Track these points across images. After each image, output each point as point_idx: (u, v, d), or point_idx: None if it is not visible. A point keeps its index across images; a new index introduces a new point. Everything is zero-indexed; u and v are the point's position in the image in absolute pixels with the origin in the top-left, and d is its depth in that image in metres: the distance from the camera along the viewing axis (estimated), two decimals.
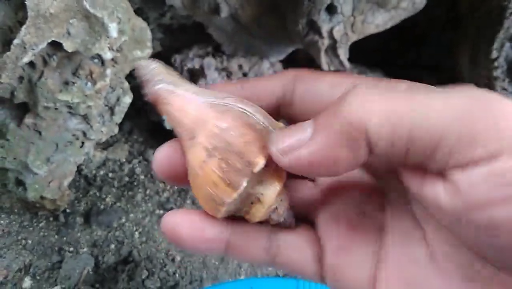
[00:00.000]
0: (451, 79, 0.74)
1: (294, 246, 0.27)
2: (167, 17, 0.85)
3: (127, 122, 0.86)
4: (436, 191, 0.20)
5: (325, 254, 0.26)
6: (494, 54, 0.61)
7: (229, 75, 0.78)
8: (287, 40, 0.69)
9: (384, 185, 0.27)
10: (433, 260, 0.23)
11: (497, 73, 0.62)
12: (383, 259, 0.25)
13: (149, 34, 0.69)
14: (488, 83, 0.64)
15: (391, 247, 0.25)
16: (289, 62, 0.84)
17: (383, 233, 0.26)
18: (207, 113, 0.25)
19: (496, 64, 0.61)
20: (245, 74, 0.79)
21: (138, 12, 0.68)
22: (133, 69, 0.70)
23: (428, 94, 0.19)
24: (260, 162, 0.23)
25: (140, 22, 0.67)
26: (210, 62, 0.76)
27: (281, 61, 0.82)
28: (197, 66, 0.76)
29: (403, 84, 0.23)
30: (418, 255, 0.23)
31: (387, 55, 0.91)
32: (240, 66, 0.79)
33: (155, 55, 0.83)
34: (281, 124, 0.26)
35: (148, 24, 0.71)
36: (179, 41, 0.87)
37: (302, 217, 0.28)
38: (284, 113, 0.29)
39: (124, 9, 0.57)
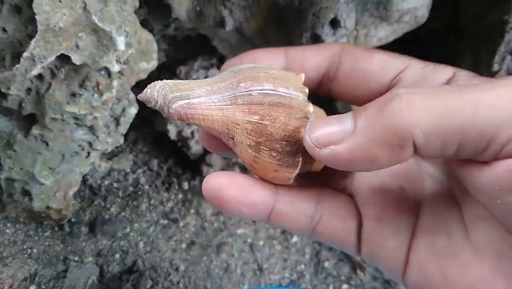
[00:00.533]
0: None
1: (337, 215, 0.27)
2: (172, 28, 0.86)
3: (132, 132, 0.87)
4: (479, 174, 0.20)
5: (363, 224, 0.26)
6: (496, 67, 0.62)
7: None
8: None
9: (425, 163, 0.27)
10: (467, 235, 0.23)
11: None
12: (418, 231, 0.25)
13: (155, 47, 0.69)
14: None
15: (427, 221, 0.25)
16: None
17: (420, 207, 0.26)
18: (232, 112, 0.25)
19: (497, 77, 0.62)
20: None
21: (143, 23, 0.69)
22: (139, 80, 0.70)
23: (476, 89, 0.19)
24: (306, 136, 0.23)
25: (146, 35, 0.68)
26: (215, 74, 0.76)
27: None
28: (202, 78, 0.76)
29: (449, 70, 0.24)
30: (452, 229, 0.24)
31: None
32: None
33: (160, 66, 0.83)
34: (305, 88, 0.26)
35: (153, 35, 0.71)
36: (183, 53, 0.88)
37: (342, 189, 0.29)
38: (325, 88, 0.28)
39: (131, 22, 0.58)
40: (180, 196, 0.78)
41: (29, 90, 0.58)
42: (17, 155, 0.61)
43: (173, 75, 0.80)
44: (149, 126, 0.88)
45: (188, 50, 0.89)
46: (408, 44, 0.69)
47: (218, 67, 0.78)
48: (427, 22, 0.65)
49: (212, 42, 0.73)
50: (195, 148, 0.77)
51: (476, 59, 0.66)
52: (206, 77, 0.76)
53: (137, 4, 0.60)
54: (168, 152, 0.84)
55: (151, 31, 0.71)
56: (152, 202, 0.77)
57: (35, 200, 0.64)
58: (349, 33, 0.61)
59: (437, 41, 0.91)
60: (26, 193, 0.64)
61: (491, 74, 0.63)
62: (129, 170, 0.81)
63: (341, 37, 0.60)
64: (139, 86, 0.75)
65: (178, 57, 0.92)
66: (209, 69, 0.77)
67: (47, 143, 0.62)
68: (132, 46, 0.60)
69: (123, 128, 0.70)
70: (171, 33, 0.95)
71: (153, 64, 0.70)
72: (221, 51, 0.75)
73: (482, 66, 0.64)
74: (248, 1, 0.63)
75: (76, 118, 0.61)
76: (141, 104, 0.88)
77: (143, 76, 0.70)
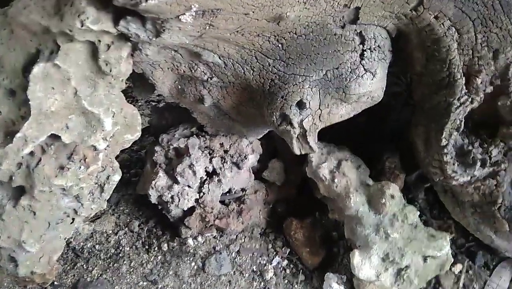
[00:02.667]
0: (411, 151, 0.81)
1: None
2: (155, 95, 0.90)
3: (114, 194, 0.89)
4: None
5: None
6: (444, 142, 0.68)
7: (211, 153, 0.83)
8: (264, 124, 0.75)
9: None
10: None
11: (447, 158, 0.68)
12: None
13: (139, 119, 0.73)
14: (440, 166, 0.71)
15: None
16: (265, 138, 0.90)
17: None
18: None
19: (445, 150, 0.68)
20: (226, 151, 0.84)
21: (128, 90, 0.72)
22: (122, 149, 0.74)
23: None
24: None
25: (131, 110, 0.72)
26: (194, 142, 0.81)
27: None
28: (182, 146, 0.80)
29: None
30: None
31: (353, 130, 0.97)
32: (222, 144, 0.84)
33: (144, 130, 0.87)
34: None
35: (137, 101, 0.76)
36: (165, 119, 0.92)
37: None
38: None
39: (117, 103, 0.62)
40: (159, 257, 0.80)
41: (19, 164, 0.61)
42: (5, 224, 0.63)
43: (155, 143, 0.84)
44: (131, 188, 0.91)
45: (170, 117, 0.94)
46: (369, 112, 0.74)
47: (198, 135, 0.83)
48: (388, 89, 0.70)
49: (192, 114, 0.78)
50: (175, 211, 0.80)
51: (427, 132, 0.72)
52: (186, 145, 0.80)
53: (123, 86, 0.64)
54: (149, 213, 0.86)
55: (135, 96, 0.75)
56: (132, 263, 0.79)
57: (20, 267, 0.66)
58: (313, 112, 0.66)
59: (398, 105, 0.98)
60: (12, 260, 0.66)
61: (440, 148, 0.69)
62: (111, 231, 0.83)
63: (306, 116, 0.65)
64: (123, 151, 0.79)
65: (161, 123, 0.96)
66: (189, 138, 0.81)
67: (34, 213, 0.64)
68: (118, 124, 0.64)
69: (107, 194, 0.73)
70: (154, 98, 1.00)
71: (136, 135, 0.73)
72: (200, 122, 0.80)
73: (433, 139, 0.71)
74: (224, 82, 0.68)
75: (63, 189, 0.64)
76: (124, 166, 0.90)
77: (127, 145, 0.73)
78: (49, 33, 0.54)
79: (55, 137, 0.59)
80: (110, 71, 0.57)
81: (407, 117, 0.86)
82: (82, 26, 0.50)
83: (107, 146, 0.68)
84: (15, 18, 0.56)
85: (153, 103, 1.03)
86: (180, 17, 0.49)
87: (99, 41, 0.55)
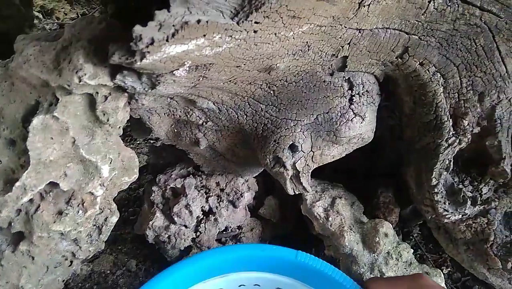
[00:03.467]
0: (406, 186, 0.82)
1: None
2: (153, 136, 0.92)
3: (112, 232, 0.90)
4: None
5: None
6: (434, 181, 0.69)
7: (207, 192, 0.84)
8: (258, 165, 0.76)
9: None
10: None
11: (437, 197, 0.69)
12: None
13: (136, 162, 0.75)
14: (432, 204, 0.71)
15: None
16: (261, 175, 0.91)
17: None
18: None
19: (436, 190, 0.69)
20: (222, 190, 0.85)
21: (126, 128, 0.74)
22: (120, 190, 0.75)
23: None
24: None
25: (128, 153, 0.73)
26: (190, 182, 0.82)
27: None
28: (179, 186, 0.82)
29: None
30: None
31: (348, 163, 0.99)
32: (218, 183, 0.85)
33: (142, 168, 0.88)
34: None
35: (136, 140, 0.77)
36: (163, 158, 0.94)
37: None
38: None
39: (115, 150, 0.64)
40: None
41: (19, 210, 0.62)
42: (4, 269, 0.64)
43: (153, 182, 0.85)
44: (129, 226, 0.91)
45: (167, 156, 0.96)
46: (362, 150, 0.76)
47: (194, 175, 0.84)
48: (379, 125, 0.72)
49: (189, 155, 0.80)
50: (172, 251, 0.80)
51: (418, 171, 0.73)
52: (182, 185, 0.81)
53: (121, 132, 0.66)
54: (146, 253, 0.86)
55: (133, 138, 0.77)
56: None
57: None
58: (306, 154, 0.68)
59: (392, 139, 1.00)
60: None
61: (431, 187, 0.70)
62: (108, 271, 0.83)
63: (299, 159, 0.67)
64: (121, 190, 0.80)
65: (158, 162, 0.98)
66: (185, 178, 0.83)
67: (33, 258, 0.65)
68: (116, 169, 0.65)
69: (105, 236, 0.74)
70: (152, 137, 1.01)
71: (134, 177, 0.74)
72: (197, 162, 0.81)
73: (423, 179, 0.72)
74: (219, 126, 0.70)
75: (61, 233, 0.65)
76: (122, 205, 0.91)
77: (125, 187, 0.74)
78: (48, 86, 0.56)
79: (53, 184, 0.60)
80: (108, 120, 0.59)
81: (402, 150, 0.87)
82: (80, 81, 0.52)
83: (105, 189, 0.69)
84: (15, 71, 0.58)
85: (151, 142, 1.04)
86: (174, 72, 0.51)
87: (97, 93, 0.57)
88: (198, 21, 0.41)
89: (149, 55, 0.43)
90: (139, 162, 0.76)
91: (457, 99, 0.66)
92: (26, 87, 0.59)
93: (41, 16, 1.49)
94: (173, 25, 0.42)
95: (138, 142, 1.06)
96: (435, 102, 0.66)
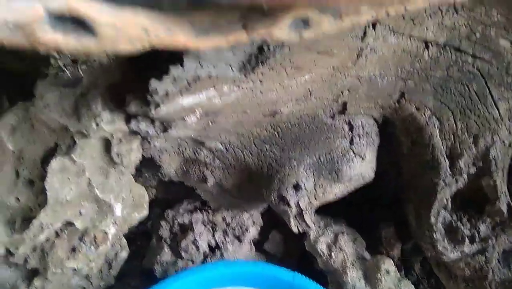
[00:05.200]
0: (407, 221, 0.83)
1: None
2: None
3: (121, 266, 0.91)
4: None
5: None
6: (432, 220, 0.71)
7: (214, 227, 0.86)
8: (263, 200, 0.78)
9: None
10: None
11: (436, 236, 0.71)
12: None
13: (146, 198, 0.77)
14: (431, 242, 0.73)
15: None
16: (266, 210, 0.92)
17: None
18: None
19: (435, 228, 0.71)
20: (228, 224, 0.87)
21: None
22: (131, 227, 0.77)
23: None
24: None
25: (139, 189, 0.76)
26: (198, 218, 0.84)
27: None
28: (186, 221, 0.84)
29: None
30: None
31: (350, 198, 1.00)
32: (224, 218, 0.87)
33: (151, 202, 0.91)
34: None
35: (144, 173, 0.80)
36: (171, 193, 0.96)
37: None
38: None
39: (127, 188, 0.67)
40: None
41: (35, 247, 0.64)
42: None
43: (161, 216, 0.88)
44: (137, 259, 0.93)
45: (175, 191, 0.98)
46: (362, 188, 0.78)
47: (201, 210, 0.86)
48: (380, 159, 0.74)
49: (196, 191, 0.82)
50: None
51: (417, 209, 0.75)
52: (189, 220, 0.84)
53: (134, 171, 0.69)
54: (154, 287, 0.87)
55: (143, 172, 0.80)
56: None
57: None
58: (309, 193, 0.70)
59: (391, 179, 1.02)
60: None
61: (430, 225, 0.71)
62: None
63: (302, 197, 0.69)
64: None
65: (166, 196, 1.00)
66: (193, 213, 0.85)
67: None
68: (127, 206, 0.68)
69: (115, 271, 0.76)
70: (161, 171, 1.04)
71: (144, 213, 0.77)
72: (204, 198, 0.84)
73: (423, 217, 0.74)
74: (226, 164, 0.73)
75: (74, 269, 0.67)
76: (130, 240, 0.92)
77: (135, 223, 0.77)
78: (67, 130, 0.59)
79: (68, 222, 0.62)
80: (122, 161, 0.62)
81: (403, 184, 0.89)
82: (97, 126, 0.55)
83: (116, 226, 0.72)
84: (36, 114, 0.62)
85: (160, 175, 1.07)
86: (185, 118, 0.54)
87: (112, 136, 0.60)
88: (209, 76, 0.45)
89: (164, 106, 0.46)
90: (149, 196, 0.79)
91: (453, 141, 0.69)
92: (45, 129, 0.62)
93: (56, 54, 1.54)
94: (186, 79, 0.45)
95: (147, 175, 1.09)
96: (432, 144, 0.68)
